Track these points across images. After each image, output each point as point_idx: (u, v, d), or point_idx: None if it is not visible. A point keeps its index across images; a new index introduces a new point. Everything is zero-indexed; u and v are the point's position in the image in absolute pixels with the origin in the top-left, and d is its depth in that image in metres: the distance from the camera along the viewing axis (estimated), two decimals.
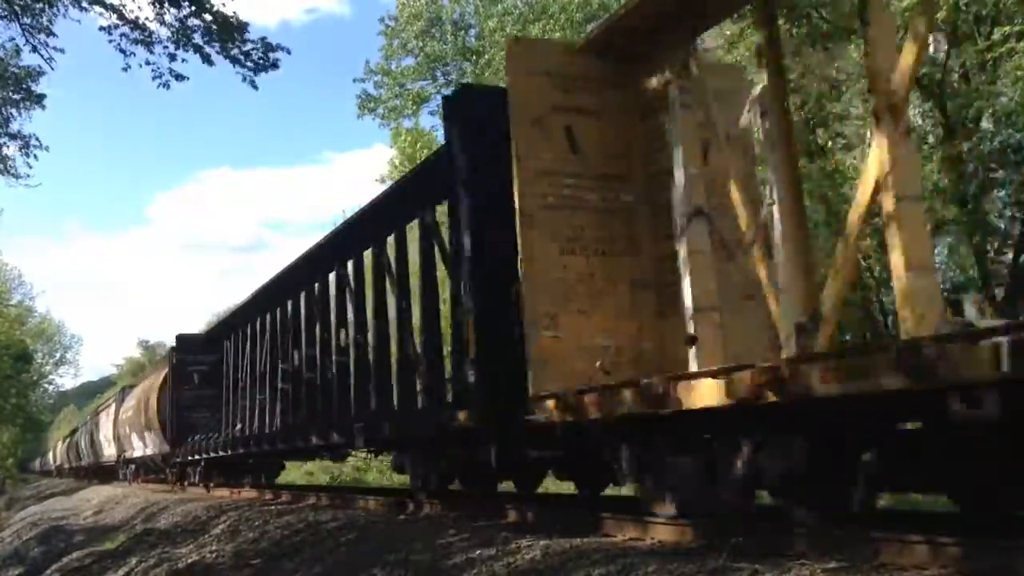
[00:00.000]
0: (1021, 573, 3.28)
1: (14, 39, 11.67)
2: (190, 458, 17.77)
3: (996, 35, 11.32)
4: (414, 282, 8.75)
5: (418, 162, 12.03)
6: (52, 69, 12.05)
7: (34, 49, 11.36)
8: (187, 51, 10.02)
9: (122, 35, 10.10)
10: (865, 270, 14.64)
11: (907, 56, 4.19)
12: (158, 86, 10.26)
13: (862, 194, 4.41)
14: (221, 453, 15.71)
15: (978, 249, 12.21)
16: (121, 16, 10.01)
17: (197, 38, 9.89)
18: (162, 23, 9.98)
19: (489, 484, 8.51)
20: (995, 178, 12.68)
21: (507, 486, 9.02)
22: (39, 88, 13.30)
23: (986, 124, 12.38)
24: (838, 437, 4.15)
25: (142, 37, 10.06)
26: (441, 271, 8.45)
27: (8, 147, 14.11)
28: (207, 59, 9.97)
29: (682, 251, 5.68)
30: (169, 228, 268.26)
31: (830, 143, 13.00)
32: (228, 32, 9.80)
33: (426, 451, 8.48)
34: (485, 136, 6.57)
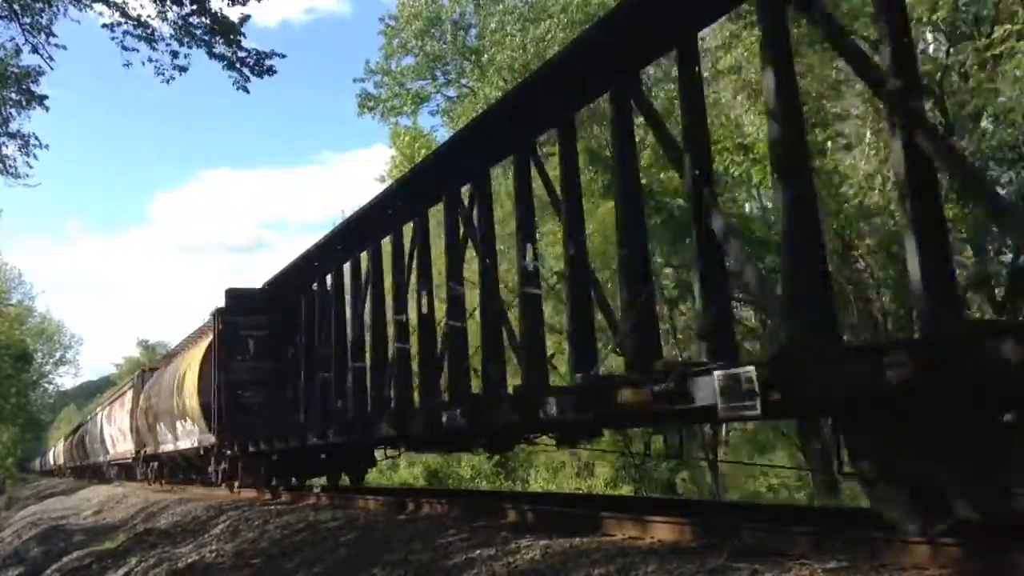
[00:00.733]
0: (1021, 573, 3.28)
1: (14, 39, 11.66)
2: (250, 450, 13.44)
3: (996, 34, 11.32)
4: None
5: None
6: (52, 69, 12.05)
7: (34, 49, 11.35)
8: (190, 48, 10.04)
9: (125, 32, 10.10)
10: (864, 270, 14.64)
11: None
12: (162, 81, 10.31)
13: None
14: (292, 444, 11.55)
15: (978, 249, 12.23)
16: (124, 13, 10.01)
17: (200, 34, 9.89)
18: (164, 20, 9.98)
19: None
20: (994, 178, 12.68)
21: (507, 486, 9.00)
22: (39, 88, 13.28)
23: (986, 123, 12.38)
24: None
25: (145, 34, 10.06)
26: None
27: (7, 147, 14.10)
28: (211, 53, 9.98)
29: None
30: (169, 228, 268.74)
31: (830, 143, 13.00)
32: (229, 31, 9.80)
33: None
34: None
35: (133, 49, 10.21)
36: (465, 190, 8.62)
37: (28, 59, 12.91)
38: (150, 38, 10.08)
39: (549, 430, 7.61)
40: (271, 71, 10.21)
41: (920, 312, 4.42)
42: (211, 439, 14.86)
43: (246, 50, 10.03)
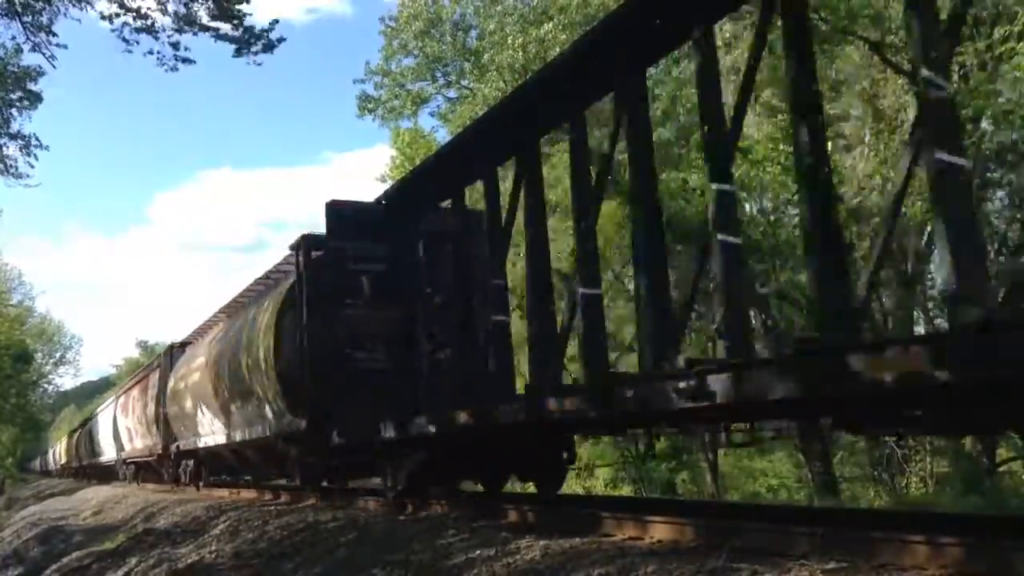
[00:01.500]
0: (1021, 573, 3.28)
1: (15, 38, 11.68)
2: (383, 437, 8.56)
3: (995, 35, 11.34)
4: None
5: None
6: (54, 67, 12.07)
7: (34, 48, 11.36)
8: (193, 34, 10.05)
9: (124, 24, 10.11)
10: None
11: None
12: (165, 71, 10.34)
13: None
14: (437, 428, 7.64)
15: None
16: (122, 5, 10.01)
17: (202, 15, 9.90)
18: (164, 12, 10.00)
19: None
20: (993, 178, 12.70)
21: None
22: (39, 87, 13.30)
23: (985, 124, 12.40)
24: None
25: (144, 25, 10.07)
26: None
27: (8, 147, 14.13)
28: (216, 36, 10.00)
29: None
30: (169, 228, 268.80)
31: (829, 143, 13.02)
32: (231, 13, 9.81)
33: None
34: None
35: (133, 41, 10.23)
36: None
37: (28, 59, 12.94)
38: (149, 29, 10.09)
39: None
40: (278, 42, 10.18)
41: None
42: (296, 424, 10.29)
43: (250, 28, 10.02)
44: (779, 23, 5.10)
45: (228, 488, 16.63)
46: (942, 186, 4.17)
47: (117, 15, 10.02)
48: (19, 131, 14.10)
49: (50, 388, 70.67)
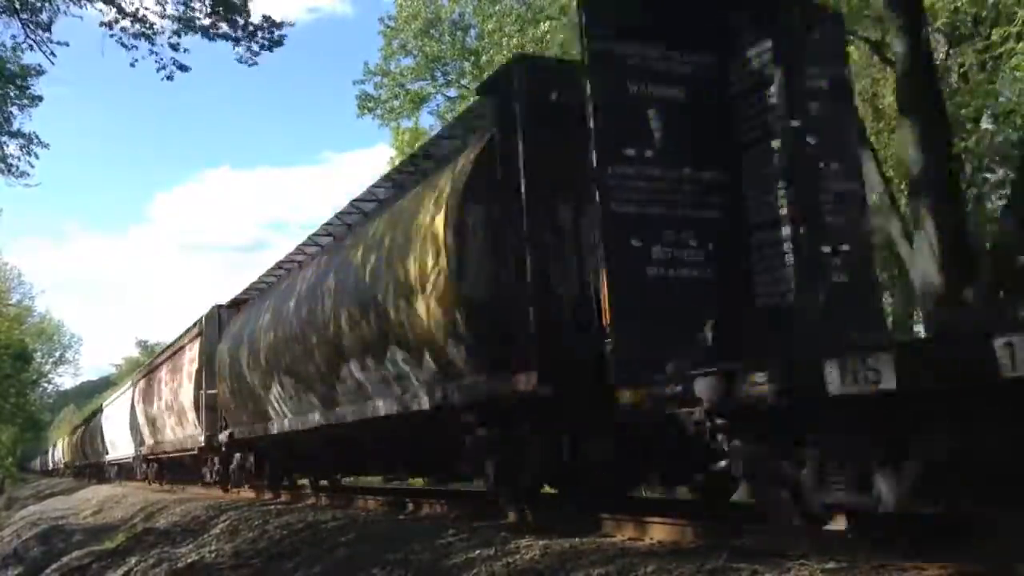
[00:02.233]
0: (1021, 573, 3.28)
1: (15, 36, 11.68)
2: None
3: (995, 35, 11.34)
4: None
5: None
6: (53, 65, 12.07)
7: (34, 46, 11.36)
8: (193, 34, 10.03)
9: (123, 29, 10.11)
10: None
11: None
12: (162, 78, 10.31)
13: None
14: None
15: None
16: (121, 10, 10.01)
17: (200, 17, 9.90)
18: (163, 16, 9.99)
19: None
20: (991, 177, 12.69)
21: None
22: (39, 86, 13.31)
23: (985, 123, 12.40)
24: None
25: (143, 30, 10.06)
26: None
27: (8, 146, 14.13)
28: (211, 36, 9.98)
29: None
30: (169, 228, 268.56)
31: None
32: (233, 10, 9.80)
33: None
34: None
35: (132, 47, 10.22)
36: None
37: (28, 58, 12.95)
38: (148, 34, 10.09)
39: None
40: (280, 42, 10.17)
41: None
42: (499, 384, 6.09)
43: (253, 25, 10.01)
44: None
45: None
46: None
47: (116, 21, 10.03)
48: (19, 129, 14.13)
49: (50, 388, 70.71)
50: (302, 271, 10.98)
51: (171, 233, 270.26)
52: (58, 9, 11.24)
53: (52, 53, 11.43)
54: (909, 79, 9.44)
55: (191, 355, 16.22)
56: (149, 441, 21.66)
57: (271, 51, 10.25)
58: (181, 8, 9.91)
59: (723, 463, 4.56)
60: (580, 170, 5.40)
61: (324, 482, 12.94)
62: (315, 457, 11.79)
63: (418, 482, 13.51)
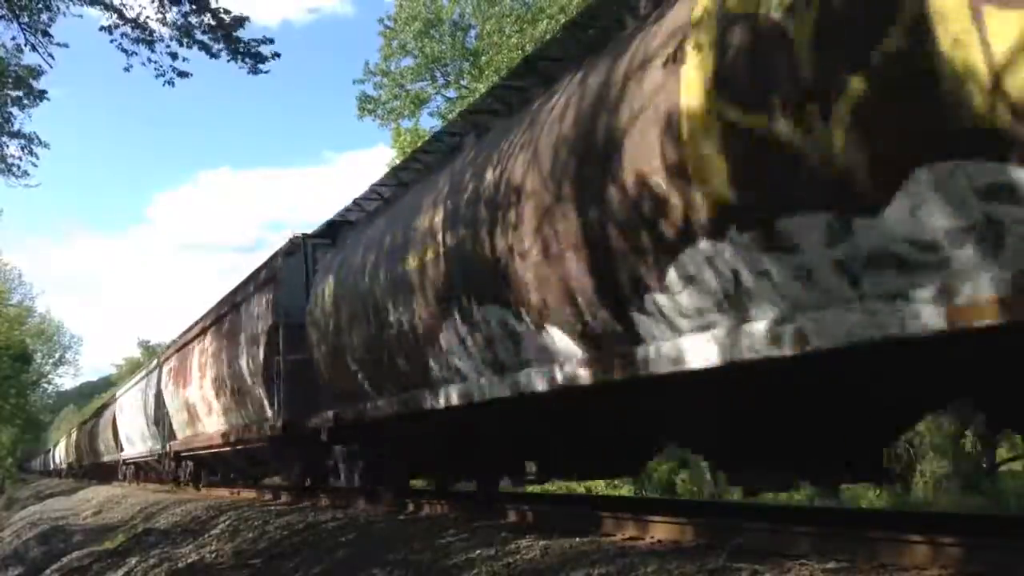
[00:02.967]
0: (1021, 573, 3.28)
1: (15, 38, 11.67)
2: None
3: None
4: None
5: None
6: (51, 67, 12.06)
7: (33, 48, 11.36)
8: (190, 47, 10.00)
9: (123, 35, 10.09)
10: None
11: None
12: (162, 84, 10.28)
13: None
14: None
15: None
16: (121, 16, 9.99)
17: (199, 34, 9.88)
18: (163, 23, 9.97)
19: None
20: None
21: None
22: (41, 86, 13.30)
23: None
24: None
25: (143, 36, 10.04)
26: None
27: (8, 146, 14.13)
28: (211, 54, 9.96)
29: None
30: (169, 228, 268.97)
31: None
32: (228, 28, 9.78)
33: None
34: None
35: (132, 52, 10.20)
36: None
37: (28, 58, 12.95)
38: (148, 40, 10.07)
39: None
40: (267, 61, 10.17)
41: None
42: None
43: (244, 43, 9.99)
44: None
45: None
46: None
47: (117, 26, 10.01)
48: (19, 130, 14.13)
49: (50, 388, 70.74)
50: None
51: (171, 233, 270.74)
52: (57, 10, 11.24)
53: (51, 55, 11.44)
54: None
55: (258, 310, 11.50)
56: (184, 433, 17.01)
57: (255, 74, 10.23)
58: (180, 20, 9.88)
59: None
60: None
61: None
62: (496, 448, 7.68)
63: (418, 483, 13.50)
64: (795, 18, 3.32)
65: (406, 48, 25.40)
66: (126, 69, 10.24)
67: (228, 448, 13.93)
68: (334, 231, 10.24)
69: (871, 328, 3.29)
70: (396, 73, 25.73)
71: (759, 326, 3.79)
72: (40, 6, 11.16)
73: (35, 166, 14.40)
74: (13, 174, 14.35)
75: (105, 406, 36.24)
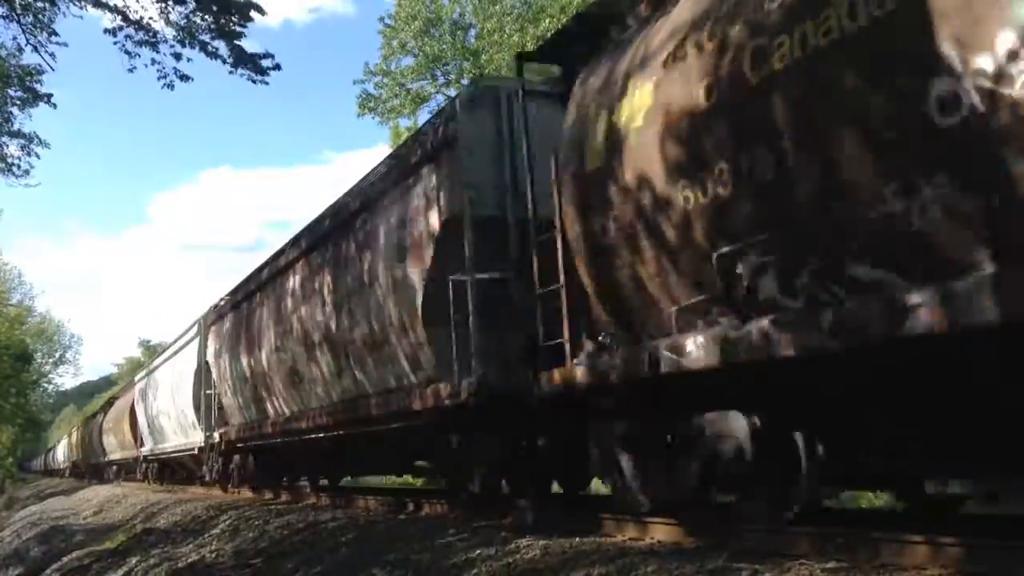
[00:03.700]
0: (1021, 573, 3.29)
1: (15, 38, 11.68)
2: None
3: None
4: None
5: None
6: (52, 69, 12.07)
7: (35, 49, 11.37)
8: (193, 48, 10.00)
9: (127, 36, 10.09)
10: None
11: None
12: (163, 87, 10.26)
13: None
14: None
15: None
16: (125, 18, 9.99)
17: (201, 35, 9.87)
18: (167, 23, 9.97)
19: None
20: None
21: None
22: (41, 87, 13.31)
23: None
24: None
25: (146, 38, 10.04)
26: None
27: (9, 146, 14.16)
28: (213, 55, 9.96)
29: None
30: (169, 228, 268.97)
31: None
32: (231, 35, 9.78)
33: None
34: None
35: (135, 54, 10.20)
36: None
37: (29, 58, 12.96)
38: (151, 42, 10.07)
39: None
40: (267, 74, 10.18)
41: None
42: None
43: (247, 54, 10.00)
44: None
45: None
46: None
47: (120, 28, 10.01)
48: (19, 129, 14.16)
49: (50, 388, 70.72)
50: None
51: (171, 233, 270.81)
52: (58, 10, 11.24)
53: (52, 55, 11.45)
54: None
55: (416, 202, 7.33)
56: (246, 415, 12.75)
57: (255, 83, 10.22)
58: (183, 21, 9.87)
59: None
60: None
61: None
62: None
63: (418, 482, 13.52)
64: None
65: (406, 47, 25.41)
66: (129, 71, 10.25)
67: (334, 432, 9.71)
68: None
69: None
70: (396, 72, 25.74)
71: None
72: (42, 5, 11.17)
73: (33, 166, 14.43)
74: (13, 173, 14.38)
75: (115, 398, 33.35)
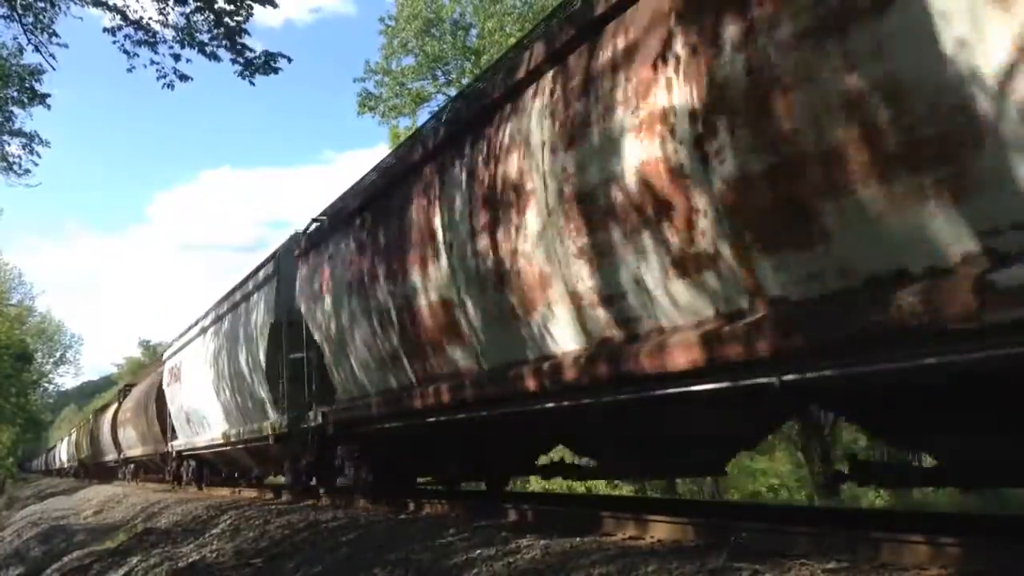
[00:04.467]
0: (1021, 573, 3.29)
1: (16, 38, 11.69)
2: None
3: None
4: None
5: None
6: (53, 69, 12.07)
7: (35, 49, 11.37)
8: (192, 49, 9.99)
9: (126, 36, 10.09)
10: None
11: None
12: (162, 87, 10.25)
13: None
14: None
15: None
16: (125, 17, 9.99)
17: (202, 36, 9.87)
18: (166, 25, 9.96)
19: None
20: None
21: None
22: (41, 87, 13.32)
23: None
24: None
25: (146, 38, 10.04)
26: None
27: (10, 145, 14.16)
28: (212, 56, 9.96)
29: None
30: (169, 228, 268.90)
31: None
32: (230, 31, 9.77)
33: None
34: None
35: (134, 54, 10.19)
36: None
37: (29, 57, 12.97)
38: (151, 42, 10.07)
39: None
40: (276, 70, 10.17)
41: None
42: None
43: (251, 51, 10.00)
44: None
45: None
46: None
47: (119, 27, 10.01)
48: (20, 128, 14.16)
49: (50, 388, 70.85)
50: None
51: (171, 233, 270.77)
52: (59, 10, 11.24)
53: (52, 55, 11.45)
54: None
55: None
56: (371, 384, 8.44)
57: (267, 75, 10.20)
58: (183, 21, 9.87)
59: None
60: None
61: None
62: None
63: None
64: None
65: (407, 47, 25.44)
66: (129, 70, 10.25)
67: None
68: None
69: None
70: (397, 72, 25.76)
71: None
72: (43, 5, 11.17)
73: (36, 164, 14.43)
74: (15, 172, 14.38)
75: (132, 384, 29.46)
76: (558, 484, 12.72)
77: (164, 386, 19.19)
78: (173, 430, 18.63)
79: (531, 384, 5.47)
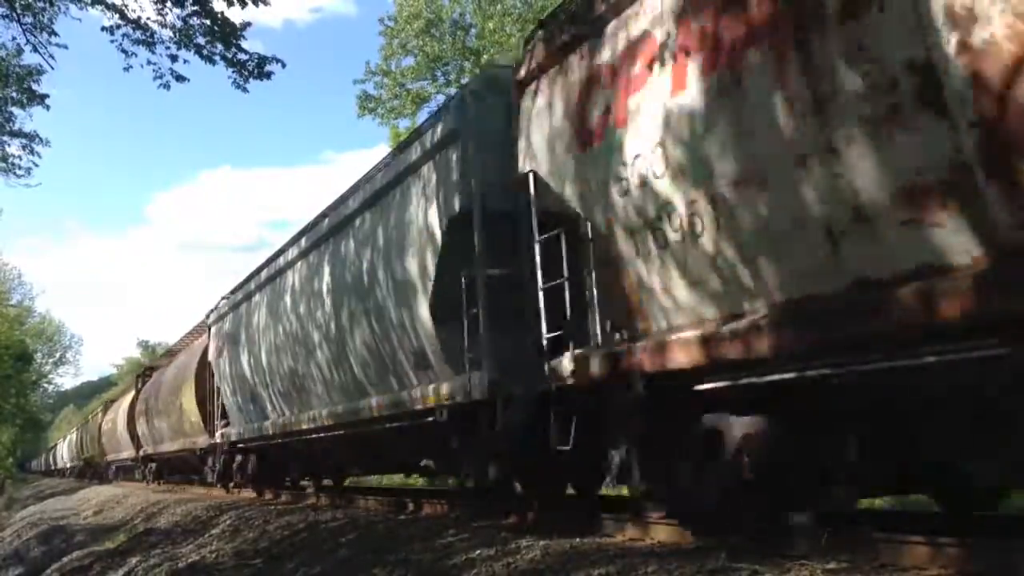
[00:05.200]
0: (1021, 573, 3.29)
1: (15, 39, 11.67)
2: None
3: None
4: None
5: None
6: (52, 69, 12.05)
7: (35, 49, 11.36)
8: (189, 51, 9.98)
9: (124, 35, 10.08)
10: None
11: None
12: (159, 87, 10.24)
13: None
14: None
15: None
16: (123, 16, 9.98)
17: (198, 38, 9.86)
18: (163, 25, 9.95)
19: None
20: None
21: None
22: (40, 87, 13.30)
23: None
24: None
25: (144, 37, 10.03)
26: None
27: (10, 145, 14.14)
28: (208, 59, 9.95)
29: None
30: (168, 228, 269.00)
31: None
32: (226, 34, 9.76)
33: None
34: None
35: (132, 53, 10.18)
36: None
37: (29, 58, 12.96)
38: (149, 41, 10.05)
39: None
40: (268, 75, 10.16)
41: None
42: None
43: (247, 53, 9.98)
44: None
45: None
46: None
47: (118, 27, 10.00)
48: (20, 129, 14.14)
49: (50, 388, 70.82)
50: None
51: (171, 233, 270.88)
52: (59, 10, 11.23)
53: (51, 56, 11.43)
54: None
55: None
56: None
57: (261, 80, 10.18)
58: (180, 22, 9.85)
59: None
60: None
61: None
62: None
63: (419, 481, 13.52)
64: None
65: (407, 47, 25.41)
66: (125, 69, 10.23)
67: None
68: None
69: None
70: (397, 72, 25.73)
71: None
72: (42, 5, 11.15)
73: (37, 165, 14.41)
74: (15, 173, 14.36)
75: (151, 370, 24.74)
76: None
77: (212, 358, 14.51)
78: (223, 415, 14.16)
79: None
